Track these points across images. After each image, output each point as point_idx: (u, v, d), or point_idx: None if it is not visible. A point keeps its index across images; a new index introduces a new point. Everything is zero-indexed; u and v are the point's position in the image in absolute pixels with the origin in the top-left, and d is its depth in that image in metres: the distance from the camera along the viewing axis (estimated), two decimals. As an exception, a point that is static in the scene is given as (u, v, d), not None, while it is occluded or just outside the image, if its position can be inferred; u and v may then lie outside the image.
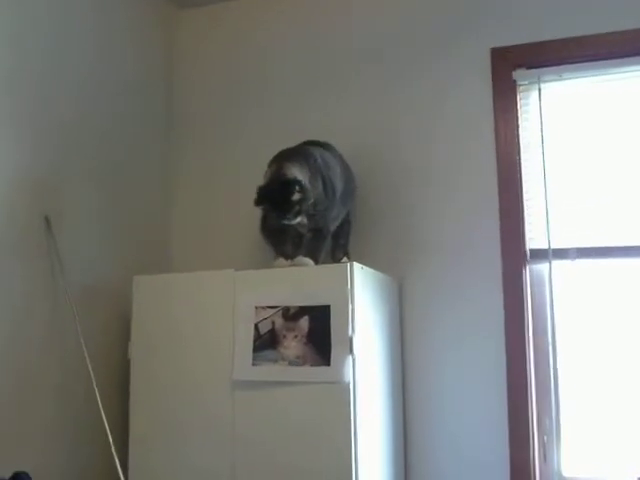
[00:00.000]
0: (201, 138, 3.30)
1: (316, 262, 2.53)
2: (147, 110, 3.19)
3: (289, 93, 3.17)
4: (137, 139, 3.09)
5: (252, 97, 3.23)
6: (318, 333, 2.36)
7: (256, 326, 2.43)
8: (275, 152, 2.64)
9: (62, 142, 2.64)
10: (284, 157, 2.54)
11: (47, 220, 2.52)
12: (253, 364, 2.42)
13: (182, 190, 3.28)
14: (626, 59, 2.73)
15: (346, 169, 2.77)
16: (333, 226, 2.68)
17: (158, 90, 3.27)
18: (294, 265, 2.51)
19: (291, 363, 2.38)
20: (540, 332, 2.76)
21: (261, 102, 3.21)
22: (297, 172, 2.45)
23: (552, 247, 2.75)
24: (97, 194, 2.80)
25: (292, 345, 2.38)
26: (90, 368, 2.47)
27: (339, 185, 2.64)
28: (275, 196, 2.41)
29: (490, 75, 2.87)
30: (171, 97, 3.33)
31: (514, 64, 2.85)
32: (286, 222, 2.43)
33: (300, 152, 2.59)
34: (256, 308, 2.44)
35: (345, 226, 2.81)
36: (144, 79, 3.17)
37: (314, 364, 2.35)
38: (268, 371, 2.40)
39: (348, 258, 2.73)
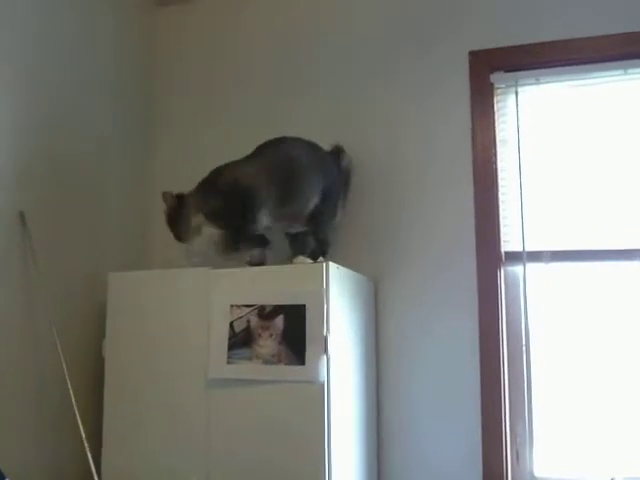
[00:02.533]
0: (180, 134, 3.29)
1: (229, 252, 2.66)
2: (127, 106, 3.18)
3: (265, 89, 3.18)
4: (116, 135, 3.07)
5: (230, 92, 3.23)
6: (293, 332, 2.37)
7: (231, 324, 2.43)
8: (252, 147, 2.74)
9: (39, 136, 2.62)
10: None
11: (22, 215, 2.50)
12: (228, 362, 2.42)
13: (160, 187, 3.25)
14: (603, 64, 2.76)
15: (287, 165, 2.72)
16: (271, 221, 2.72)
17: (138, 87, 3.26)
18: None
19: (266, 362, 2.38)
20: (514, 334, 2.77)
21: (239, 97, 3.21)
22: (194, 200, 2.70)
23: (526, 250, 2.77)
24: (74, 189, 2.78)
25: (267, 344, 2.39)
26: (64, 365, 2.46)
27: (267, 187, 2.65)
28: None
29: (468, 78, 2.88)
30: (150, 94, 3.32)
31: (492, 67, 2.86)
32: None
33: (207, 181, 2.72)
34: (231, 306, 2.44)
35: (318, 221, 2.76)
36: (124, 75, 3.16)
37: (289, 363, 2.36)
38: (243, 369, 2.40)
39: (323, 257, 2.70)
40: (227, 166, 2.71)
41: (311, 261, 2.56)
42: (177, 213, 2.70)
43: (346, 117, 3.03)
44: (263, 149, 2.74)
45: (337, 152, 2.89)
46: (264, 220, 2.66)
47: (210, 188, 2.69)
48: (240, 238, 2.68)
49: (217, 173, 2.71)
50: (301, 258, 2.58)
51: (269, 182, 2.66)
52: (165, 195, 2.71)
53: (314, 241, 2.73)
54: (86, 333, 2.74)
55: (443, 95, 2.91)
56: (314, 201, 2.71)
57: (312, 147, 2.80)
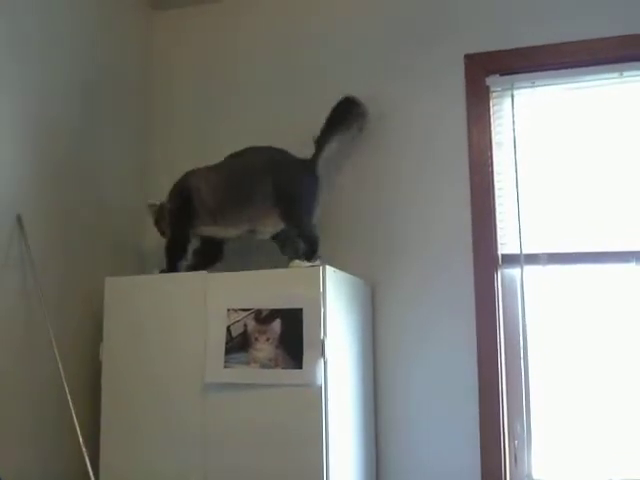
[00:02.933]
0: (177, 139, 3.30)
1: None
2: (125, 111, 3.18)
3: (264, 90, 3.18)
4: (113, 139, 3.07)
5: (229, 94, 3.23)
6: (290, 336, 2.37)
7: (228, 328, 2.43)
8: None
9: (35, 140, 2.62)
10: None
11: (19, 218, 2.50)
12: (225, 366, 2.42)
13: (157, 191, 3.26)
14: (598, 67, 2.77)
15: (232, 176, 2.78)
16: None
17: (135, 90, 3.27)
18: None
19: (263, 366, 2.38)
20: (511, 336, 2.78)
21: (238, 99, 3.22)
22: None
23: (524, 252, 2.78)
24: (71, 193, 2.78)
25: (264, 348, 2.38)
26: (61, 369, 2.45)
27: (216, 194, 2.75)
28: None
29: (463, 81, 2.89)
30: (149, 98, 3.33)
31: (487, 70, 2.87)
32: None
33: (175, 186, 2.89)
34: (228, 310, 2.44)
35: (296, 222, 2.74)
36: (121, 79, 3.16)
37: (286, 367, 2.36)
38: (240, 373, 2.40)
39: (314, 254, 2.66)
40: (191, 171, 2.85)
41: (308, 263, 2.56)
42: (162, 221, 2.87)
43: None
44: (228, 157, 2.81)
45: (347, 104, 2.88)
46: (205, 225, 2.76)
47: (170, 191, 2.85)
48: (180, 244, 2.79)
49: (176, 186, 2.86)
50: (297, 262, 2.58)
51: (218, 187, 2.74)
52: (149, 207, 2.92)
53: (302, 242, 2.71)
54: (83, 337, 2.74)
55: (439, 98, 2.92)
56: (268, 202, 2.68)
57: (277, 155, 2.78)
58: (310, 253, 2.66)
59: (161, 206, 2.88)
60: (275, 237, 2.80)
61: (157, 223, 2.90)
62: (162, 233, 2.88)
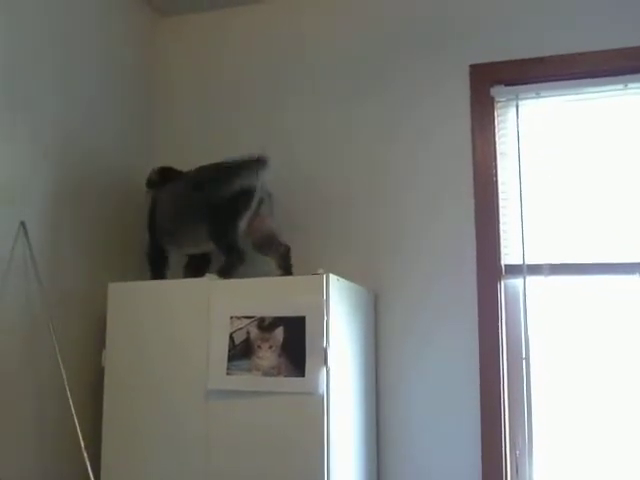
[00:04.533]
0: (180, 143, 3.30)
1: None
2: (129, 117, 3.19)
3: (263, 98, 3.20)
4: (117, 145, 3.09)
5: (228, 101, 3.25)
6: (293, 344, 2.37)
7: (231, 336, 2.43)
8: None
9: (39, 147, 2.63)
10: None
11: (23, 225, 2.50)
12: (227, 374, 2.42)
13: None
14: (603, 78, 2.77)
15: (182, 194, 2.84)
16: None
17: (139, 97, 3.28)
18: None
19: (265, 373, 2.38)
20: (513, 346, 2.78)
21: (237, 105, 3.24)
22: None
23: (527, 263, 2.78)
24: (74, 199, 2.79)
25: (267, 355, 2.38)
26: (64, 375, 2.46)
27: (165, 212, 2.87)
28: None
29: (468, 91, 2.89)
30: (151, 105, 3.35)
31: (492, 81, 2.88)
32: None
33: None
34: (231, 318, 2.44)
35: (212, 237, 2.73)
36: (125, 85, 3.18)
37: (288, 375, 2.36)
38: (242, 381, 2.40)
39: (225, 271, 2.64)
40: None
41: (217, 278, 2.57)
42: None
43: (345, 132, 3.04)
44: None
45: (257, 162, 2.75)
46: (165, 242, 2.86)
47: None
48: (155, 252, 2.88)
49: None
50: (207, 275, 2.60)
51: (166, 206, 2.85)
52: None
53: (222, 253, 2.71)
54: (86, 343, 2.74)
55: (443, 108, 2.92)
56: (202, 222, 2.70)
57: (217, 171, 2.76)
58: (227, 267, 2.64)
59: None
60: (254, 245, 2.80)
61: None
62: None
